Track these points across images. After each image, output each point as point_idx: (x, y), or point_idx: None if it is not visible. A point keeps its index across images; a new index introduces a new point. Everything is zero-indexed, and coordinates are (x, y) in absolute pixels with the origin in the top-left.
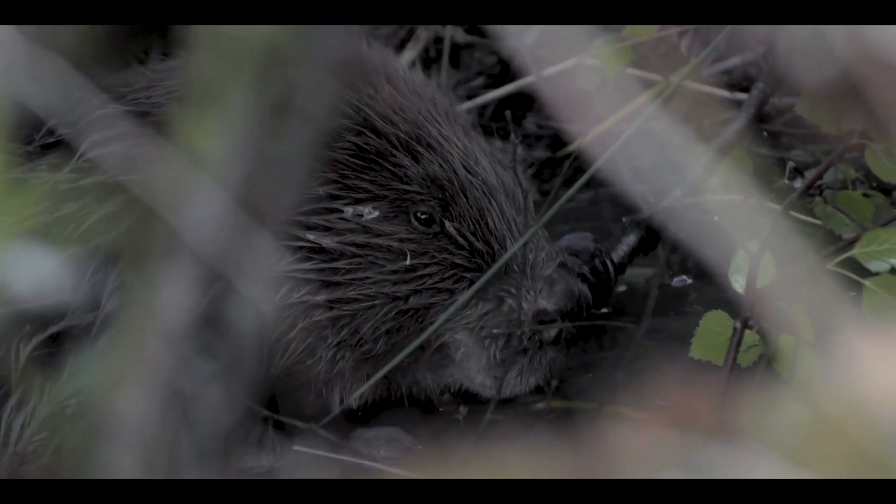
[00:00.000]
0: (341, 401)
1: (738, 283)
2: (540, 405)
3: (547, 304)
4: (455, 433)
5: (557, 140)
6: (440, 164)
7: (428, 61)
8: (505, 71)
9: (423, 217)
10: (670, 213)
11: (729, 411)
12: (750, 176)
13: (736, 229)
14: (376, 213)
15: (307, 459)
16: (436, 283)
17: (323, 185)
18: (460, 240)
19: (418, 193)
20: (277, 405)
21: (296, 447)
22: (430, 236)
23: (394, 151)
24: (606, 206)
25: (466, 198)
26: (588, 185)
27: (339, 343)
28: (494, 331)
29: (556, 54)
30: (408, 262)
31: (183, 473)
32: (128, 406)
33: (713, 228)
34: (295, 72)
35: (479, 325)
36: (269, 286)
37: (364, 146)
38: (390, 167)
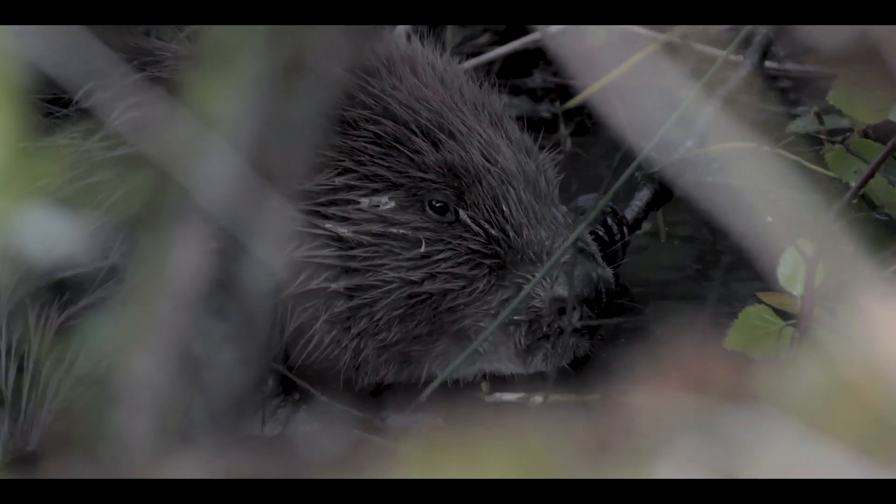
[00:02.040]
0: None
1: (792, 287)
2: (538, 399)
3: (563, 291)
4: (477, 410)
5: (564, 95)
6: (458, 153)
7: None
8: (511, 28)
9: (437, 206)
10: (682, 165)
11: (746, 375)
12: (757, 124)
13: (750, 188)
14: (392, 204)
15: (337, 438)
16: (450, 268)
17: (340, 174)
18: (474, 227)
19: (434, 182)
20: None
21: (326, 427)
22: (445, 224)
23: (412, 138)
24: (621, 162)
25: (482, 186)
26: (600, 139)
27: (360, 333)
28: (515, 318)
29: None
30: (422, 249)
31: (195, 436)
32: (141, 369)
33: (726, 186)
34: (307, 33)
35: (499, 311)
36: (280, 248)
37: (381, 134)
38: (408, 153)
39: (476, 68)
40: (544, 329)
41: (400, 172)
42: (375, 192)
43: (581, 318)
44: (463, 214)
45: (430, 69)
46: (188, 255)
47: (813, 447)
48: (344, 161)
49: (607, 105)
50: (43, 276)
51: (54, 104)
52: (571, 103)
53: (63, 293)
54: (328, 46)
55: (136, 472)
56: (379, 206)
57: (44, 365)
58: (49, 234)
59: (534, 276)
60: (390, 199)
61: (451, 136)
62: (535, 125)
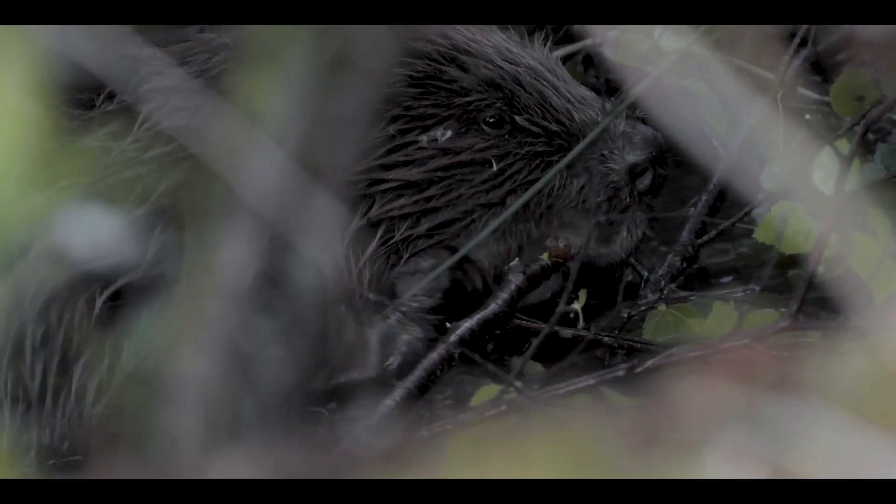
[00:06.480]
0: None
1: (825, 186)
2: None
3: (635, 157)
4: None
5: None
6: (486, 66)
7: None
8: (559, 31)
9: (492, 121)
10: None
11: (792, 365)
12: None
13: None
14: (450, 133)
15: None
16: (526, 177)
17: (390, 123)
18: (534, 128)
19: (480, 100)
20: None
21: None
22: (506, 136)
23: (441, 68)
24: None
25: (523, 87)
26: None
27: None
28: (596, 199)
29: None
30: (494, 168)
31: (244, 433)
32: (189, 366)
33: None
34: (352, 28)
35: (581, 199)
36: (329, 244)
37: (413, 74)
38: (445, 85)
39: None
40: (625, 201)
41: (446, 105)
42: (428, 128)
43: (656, 177)
44: (520, 120)
45: None
46: (236, 251)
47: (860, 437)
48: (390, 109)
49: (656, 106)
50: (78, 268)
51: (93, 99)
52: (621, 108)
53: (102, 287)
54: (374, 42)
55: (184, 469)
56: (437, 139)
57: (85, 362)
58: (86, 227)
59: (604, 153)
60: (446, 129)
61: (469, 53)
62: None
